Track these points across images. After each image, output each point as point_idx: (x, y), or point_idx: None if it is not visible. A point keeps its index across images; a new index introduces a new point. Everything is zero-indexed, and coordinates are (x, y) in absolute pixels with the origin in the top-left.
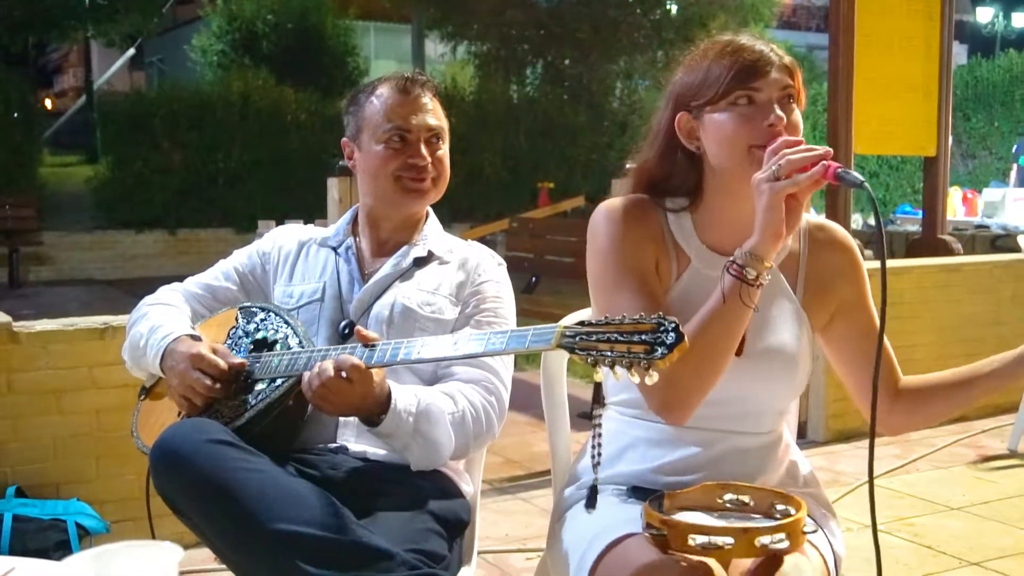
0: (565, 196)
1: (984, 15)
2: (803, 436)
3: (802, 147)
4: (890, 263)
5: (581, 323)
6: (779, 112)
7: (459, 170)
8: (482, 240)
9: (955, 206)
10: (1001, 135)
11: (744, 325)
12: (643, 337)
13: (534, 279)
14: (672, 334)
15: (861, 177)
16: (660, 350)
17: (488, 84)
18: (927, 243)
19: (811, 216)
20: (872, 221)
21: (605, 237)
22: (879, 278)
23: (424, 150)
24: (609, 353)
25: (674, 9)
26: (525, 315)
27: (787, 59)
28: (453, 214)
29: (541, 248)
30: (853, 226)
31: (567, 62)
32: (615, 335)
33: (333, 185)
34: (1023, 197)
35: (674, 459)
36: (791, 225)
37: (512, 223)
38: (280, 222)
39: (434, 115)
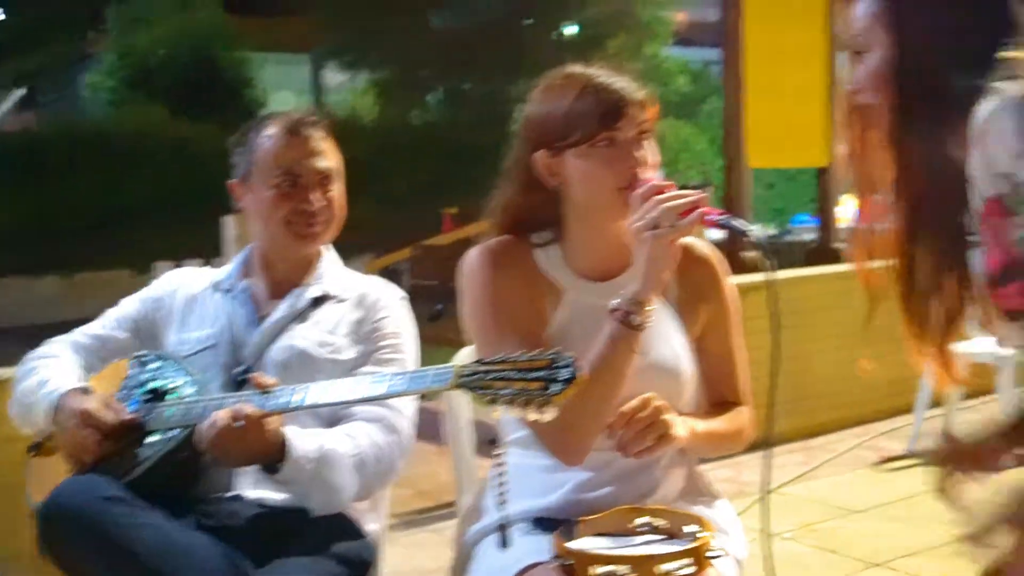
0: (471, 221)
1: None
2: None
3: (674, 193)
4: (785, 273)
5: (478, 362)
6: (640, 152)
7: (363, 198)
8: (388, 269)
9: (851, 214)
10: None
11: (630, 367)
12: (539, 374)
13: (439, 307)
14: (567, 370)
15: (742, 223)
16: (556, 386)
17: (390, 111)
18: (823, 252)
19: None
20: (773, 231)
21: (479, 285)
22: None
23: (315, 194)
24: (506, 391)
25: (574, 30)
26: (431, 343)
27: (641, 93)
28: (359, 244)
29: (446, 275)
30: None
31: (469, 85)
32: (511, 372)
33: (229, 223)
34: None
35: (577, 483)
36: (671, 266)
37: (415, 251)
38: (179, 262)
39: (325, 157)
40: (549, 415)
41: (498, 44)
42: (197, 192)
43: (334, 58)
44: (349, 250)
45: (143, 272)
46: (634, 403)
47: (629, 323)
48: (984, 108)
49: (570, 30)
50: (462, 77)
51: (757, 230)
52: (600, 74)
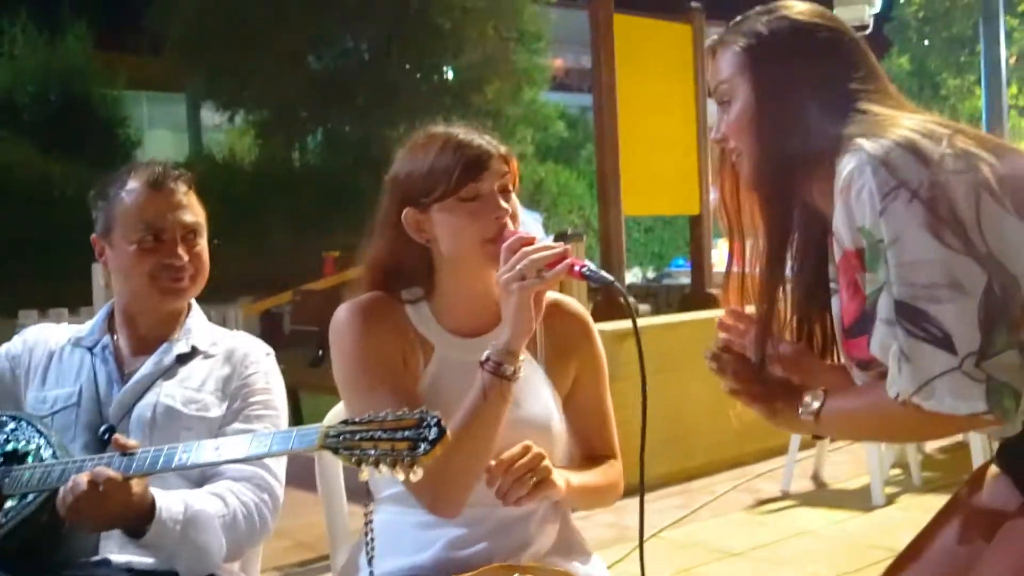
0: (352, 264)
1: None
2: None
3: (540, 245)
4: (659, 319)
5: (345, 422)
6: (504, 204)
7: (242, 241)
8: (268, 312)
9: (724, 257)
10: None
11: (503, 417)
12: (406, 433)
13: (320, 353)
14: (434, 429)
15: (608, 276)
16: (423, 446)
17: (269, 151)
18: (697, 298)
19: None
20: (651, 275)
21: (350, 340)
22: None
23: (181, 248)
24: (372, 451)
25: (450, 74)
26: (312, 390)
27: (503, 149)
28: (238, 287)
29: (327, 318)
30: (632, 279)
31: (347, 128)
32: (378, 432)
33: (98, 271)
34: None
35: (449, 540)
36: (537, 316)
37: (296, 296)
38: (44, 311)
39: (190, 211)
40: (417, 475)
41: (375, 86)
42: (68, 235)
43: (209, 98)
44: (227, 292)
45: (7, 317)
46: (514, 450)
47: (501, 373)
48: (846, 162)
49: (448, 74)
50: (340, 119)
51: (617, 284)
52: (461, 131)
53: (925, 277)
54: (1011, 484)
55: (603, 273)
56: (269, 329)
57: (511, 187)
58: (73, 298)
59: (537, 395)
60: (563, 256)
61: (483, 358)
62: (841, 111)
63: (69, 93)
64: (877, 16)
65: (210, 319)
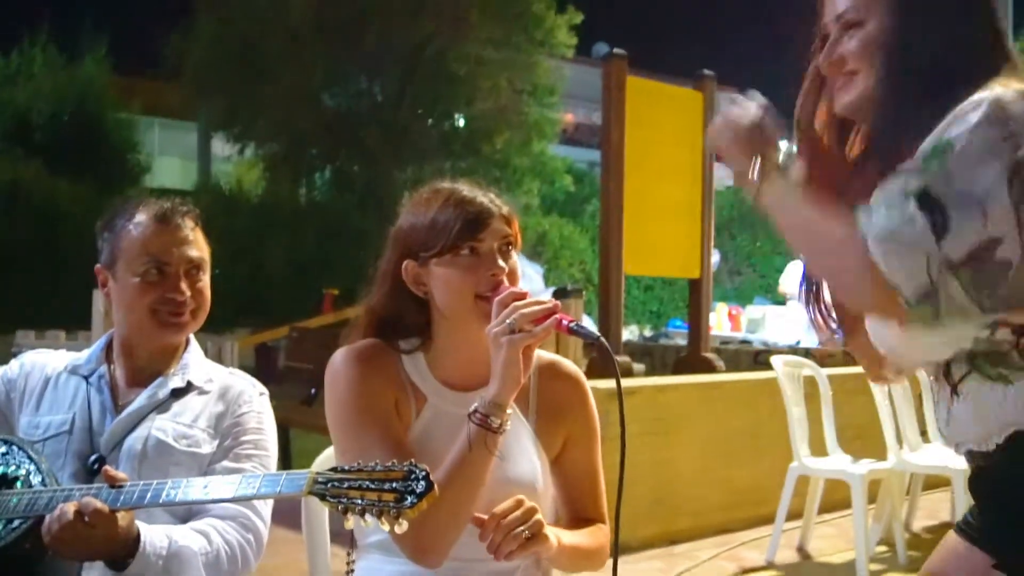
0: (352, 303)
1: None
2: None
3: (531, 300)
4: (653, 381)
5: (334, 469)
6: (501, 262)
7: (243, 273)
8: (263, 346)
9: (722, 322)
10: (764, 254)
11: (489, 469)
12: (393, 485)
13: (313, 391)
14: (422, 483)
15: (596, 332)
16: (410, 499)
17: (276, 186)
18: (692, 360)
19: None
20: (648, 333)
21: (344, 384)
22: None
23: (184, 283)
24: (359, 501)
25: (461, 122)
26: (303, 428)
27: (505, 209)
28: (236, 317)
29: (323, 357)
30: (629, 336)
31: (356, 167)
32: (366, 482)
33: (99, 298)
34: (783, 315)
35: None
36: (526, 370)
37: (292, 332)
38: (42, 333)
39: (195, 246)
40: (402, 527)
41: (386, 129)
42: (72, 255)
43: (221, 128)
44: (224, 323)
45: (4, 334)
46: (506, 504)
47: (488, 425)
48: (973, 98)
49: (459, 122)
50: (349, 158)
51: (604, 342)
52: (465, 188)
53: (967, 187)
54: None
55: (592, 330)
56: (264, 362)
57: (512, 246)
58: (72, 319)
59: (524, 452)
60: (552, 311)
61: (471, 410)
62: (981, 50)
63: (83, 115)
64: None
65: (206, 349)
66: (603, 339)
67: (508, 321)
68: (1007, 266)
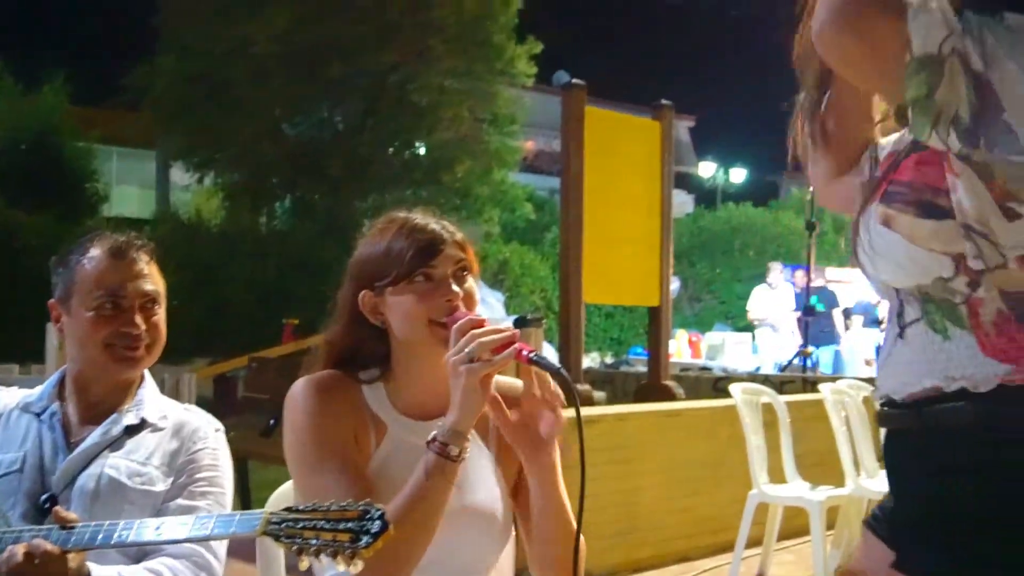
0: (312, 333)
1: (706, 170)
2: None
3: (489, 328)
4: (614, 409)
5: (288, 509)
6: (456, 287)
7: (203, 303)
8: (222, 377)
9: (682, 348)
10: (723, 281)
11: (447, 499)
12: (349, 525)
13: (272, 422)
14: (377, 522)
15: (555, 364)
16: (365, 539)
17: (236, 215)
18: (652, 389)
19: (500, 377)
20: (609, 360)
21: (303, 414)
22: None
23: (139, 317)
24: (314, 541)
25: (423, 151)
26: (262, 459)
27: (459, 235)
28: (194, 348)
29: (282, 388)
30: (590, 363)
31: (317, 196)
32: (321, 522)
33: (53, 331)
34: (743, 342)
35: None
36: (485, 398)
37: (252, 363)
38: None
39: (150, 280)
40: (356, 567)
41: (348, 158)
42: (29, 288)
43: (181, 158)
44: (182, 354)
45: None
46: None
47: (446, 454)
48: None
49: (420, 150)
50: (310, 187)
51: (564, 373)
52: (418, 216)
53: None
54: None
55: (552, 361)
56: (223, 393)
57: (467, 272)
58: (27, 353)
59: (483, 481)
60: (512, 340)
61: (429, 438)
62: None
63: (41, 145)
64: None
65: (163, 381)
66: (563, 371)
67: (466, 350)
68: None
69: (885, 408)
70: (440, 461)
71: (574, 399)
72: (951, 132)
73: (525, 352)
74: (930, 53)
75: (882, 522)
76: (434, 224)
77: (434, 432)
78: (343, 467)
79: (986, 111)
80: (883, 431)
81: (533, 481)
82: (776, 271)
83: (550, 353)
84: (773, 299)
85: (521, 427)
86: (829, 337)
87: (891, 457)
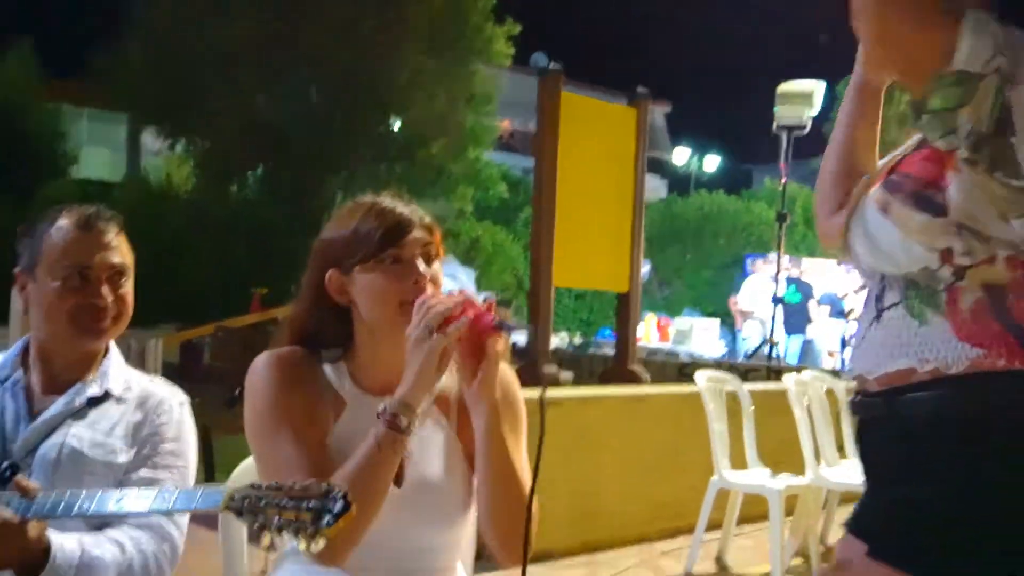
0: (280, 304)
1: (680, 156)
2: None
3: (441, 299)
4: (578, 392)
5: (251, 486)
6: (422, 268)
7: (171, 269)
8: (189, 343)
9: (650, 332)
10: (693, 267)
11: (394, 470)
12: (311, 504)
13: (237, 392)
14: (340, 502)
15: (515, 326)
16: (327, 518)
17: (206, 184)
18: (618, 373)
19: None
20: (578, 341)
21: (262, 387)
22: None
23: (105, 288)
24: (277, 519)
25: (397, 125)
26: (226, 431)
27: (427, 219)
28: (161, 315)
29: (248, 358)
30: (559, 343)
31: (288, 169)
32: (284, 500)
33: (17, 296)
34: (710, 328)
35: None
36: (440, 373)
37: (218, 332)
38: None
39: (118, 252)
40: (318, 546)
41: (320, 132)
42: None
43: (151, 123)
44: (151, 319)
45: None
46: None
47: (396, 426)
48: None
49: (395, 126)
50: (282, 160)
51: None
52: (386, 200)
53: None
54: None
55: (510, 323)
56: (188, 360)
57: (434, 255)
58: None
59: (437, 457)
60: (464, 306)
61: (379, 409)
62: None
63: (7, 107)
64: (816, 118)
65: (130, 346)
66: (510, 325)
67: (424, 324)
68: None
69: (858, 396)
70: (390, 433)
71: (513, 353)
72: (962, 142)
73: (488, 320)
74: (971, 71)
75: (858, 517)
76: (403, 207)
77: (383, 404)
78: (298, 438)
79: (998, 131)
80: (854, 421)
81: (478, 423)
82: (759, 263)
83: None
84: (764, 291)
85: (471, 359)
86: (801, 326)
87: (863, 445)
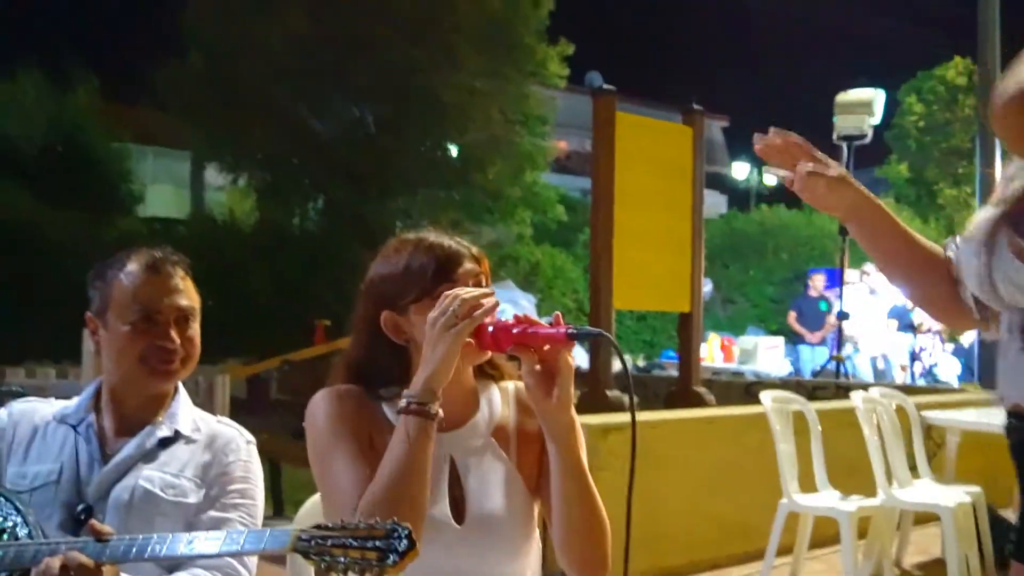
0: (343, 334)
1: (740, 170)
2: None
3: (468, 290)
4: (644, 415)
5: (317, 527)
6: None
7: (233, 303)
8: (256, 377)
9: (714, 352)
10: (756, 284)
11: (429, 459)
12: (376, 543)
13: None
14: (404, 541)
15: (597, 329)
16: (392, 557)
17: (268, 215)
18: (682, 395)
19: (519, 382)
20: (641, 363)
21: (322, 416)
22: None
23: (174, 332)
24: (342, 559)
25: (454, 151)
26: (294, 462)
27: (475, 249)
28: (226, 348)
29: (314, 390)
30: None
31: (347, 196)
32: (349, 540)
33: (89, 338)
34: (775, 346)
35: None
36: (465, 368)
37: (284, 365)
38: (32, 371)
39: (185, 295)
40: None
41: (378, 158)
42: (57, 286)
43: (212, 159)
44: (217, 354)
45: None
46: None
47: (426, 413)
48: None
49: (452, 151)
50: (340, 188)
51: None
52: (432, 234)
53: None
54: None
55: (590, 329)
56: (256, 394)
57: (483, 284)
58: (62, 354)
59: (498, 491)
60: (493, 301)
61: (402, 404)
62: None
63: (75, 145)
64: (876, 126)
65: (198, 383)
66: (606, 334)
67: (451, 310)
68: None
69: (1012, 420)
70: (420, 421)
71: (622, 361)
72: None
73: (563, 331)
74: None
75: (1021, 543)
76: (448, 240)
77: (405, 397)
78: (356, 458)
79: None
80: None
81: (552, 448)
82: (820, 280)
83: (581, 356)
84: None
85: (544, 377)
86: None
87: (1021, 468)
